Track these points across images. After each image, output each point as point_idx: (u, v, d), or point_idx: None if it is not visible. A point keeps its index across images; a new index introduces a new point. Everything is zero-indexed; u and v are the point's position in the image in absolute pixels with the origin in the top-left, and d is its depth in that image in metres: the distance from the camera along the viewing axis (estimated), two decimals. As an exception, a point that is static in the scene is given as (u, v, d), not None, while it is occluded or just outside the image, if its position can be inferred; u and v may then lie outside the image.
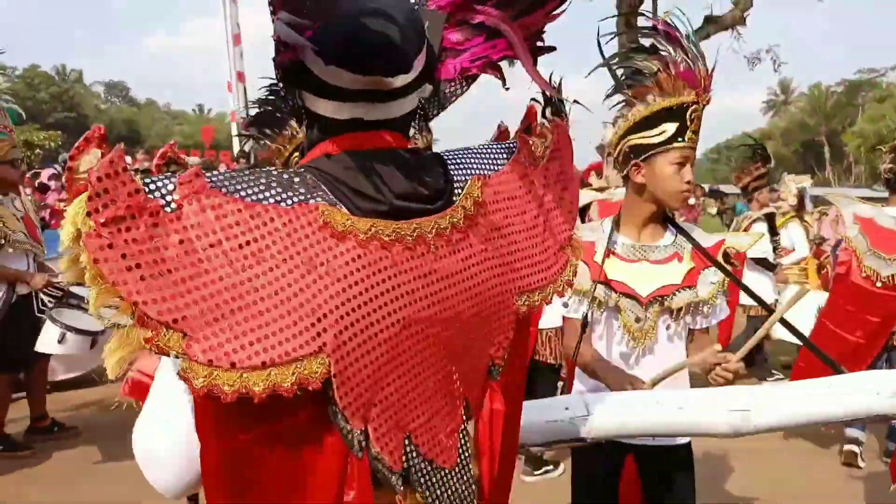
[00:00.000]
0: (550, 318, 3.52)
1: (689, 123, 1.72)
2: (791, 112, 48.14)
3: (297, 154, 2.55)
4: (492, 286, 0.91)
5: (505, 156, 0.99)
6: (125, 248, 0.67)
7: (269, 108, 2.52)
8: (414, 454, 0.85)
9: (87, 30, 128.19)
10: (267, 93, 2.53)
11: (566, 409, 1.37)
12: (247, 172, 0.80)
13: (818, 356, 1.87)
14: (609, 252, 1.83)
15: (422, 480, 0.86)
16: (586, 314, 1.80)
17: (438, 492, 0.88)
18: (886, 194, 3.58)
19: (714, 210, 9.66)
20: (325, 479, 0.80)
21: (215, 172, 0.77)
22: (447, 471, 0.89)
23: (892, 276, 3.21)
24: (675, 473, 1.86)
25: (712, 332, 1.96)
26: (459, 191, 0.91)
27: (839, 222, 4.19)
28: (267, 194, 0.77)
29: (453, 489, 0.90)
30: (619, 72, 1.79)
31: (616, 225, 1.89)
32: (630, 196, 1.86)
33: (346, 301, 0.76)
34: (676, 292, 1.78)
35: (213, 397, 0.69)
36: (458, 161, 0.95)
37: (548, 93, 1.07)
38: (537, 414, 1.35)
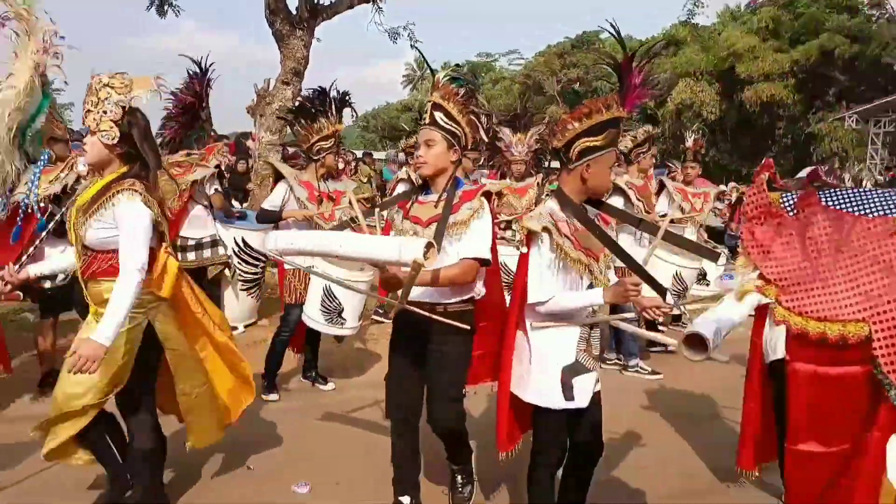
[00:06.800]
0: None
1: None
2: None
3: (320, 143, 3.72)
4: None
5: None
6: (757, 237, 1.24)
7: (309, 105, 3.69)
8: None
9: None
10: (311, 94, 3.71)
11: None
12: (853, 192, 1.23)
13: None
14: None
15: None
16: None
17: None
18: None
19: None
20: (858, 407, 1.16)
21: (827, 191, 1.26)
22: None
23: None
24: None
25: None
26: None
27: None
28: (857, 208, 1.10)
29: None
30: None
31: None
32: None
33: (891, 289, 1.10)
34: None
35: (787, 328, 1.14)
36: None
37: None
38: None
